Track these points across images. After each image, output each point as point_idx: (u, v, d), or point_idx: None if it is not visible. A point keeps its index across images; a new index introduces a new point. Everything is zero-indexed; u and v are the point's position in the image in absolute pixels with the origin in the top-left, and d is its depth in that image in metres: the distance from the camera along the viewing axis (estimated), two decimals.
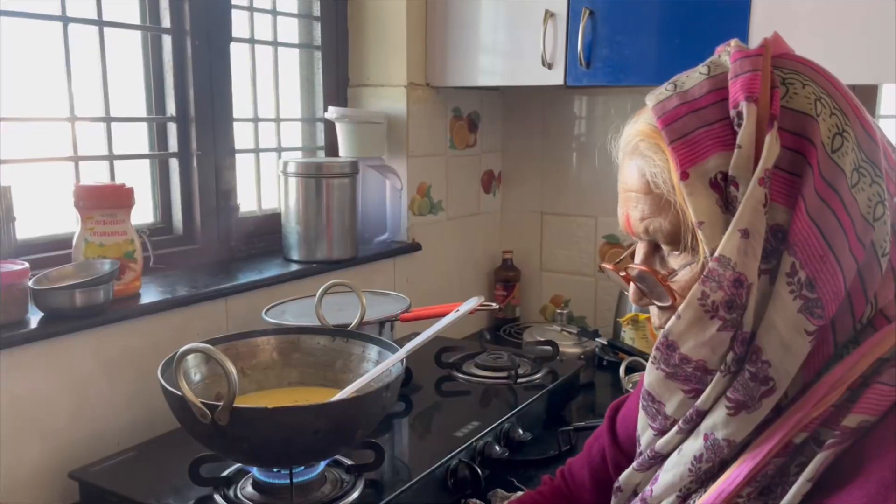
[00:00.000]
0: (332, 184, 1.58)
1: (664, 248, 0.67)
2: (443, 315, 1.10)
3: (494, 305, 1.28)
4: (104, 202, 1.23)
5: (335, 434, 0.90)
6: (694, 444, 0.65)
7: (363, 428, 0.93)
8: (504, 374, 1.44)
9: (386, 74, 1.79)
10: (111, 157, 1.42)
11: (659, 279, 0.67)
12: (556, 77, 1.64)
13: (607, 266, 0.74)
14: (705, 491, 0.64)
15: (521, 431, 1.26)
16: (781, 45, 0.64)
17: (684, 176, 0.61)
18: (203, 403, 0.85)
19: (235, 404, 0.84)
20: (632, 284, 0.70)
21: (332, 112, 1.71)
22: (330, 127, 1.79)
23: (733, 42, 0.65)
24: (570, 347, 1.65)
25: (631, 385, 1.49)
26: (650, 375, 0.69)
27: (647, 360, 1.63)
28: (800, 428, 0.59)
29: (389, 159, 1.80)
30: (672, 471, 0.67)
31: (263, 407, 0.85)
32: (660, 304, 0.68)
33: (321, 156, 1.84)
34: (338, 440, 0.92)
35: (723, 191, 0.60)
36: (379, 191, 1.77)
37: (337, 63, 1.83)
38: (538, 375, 1.45)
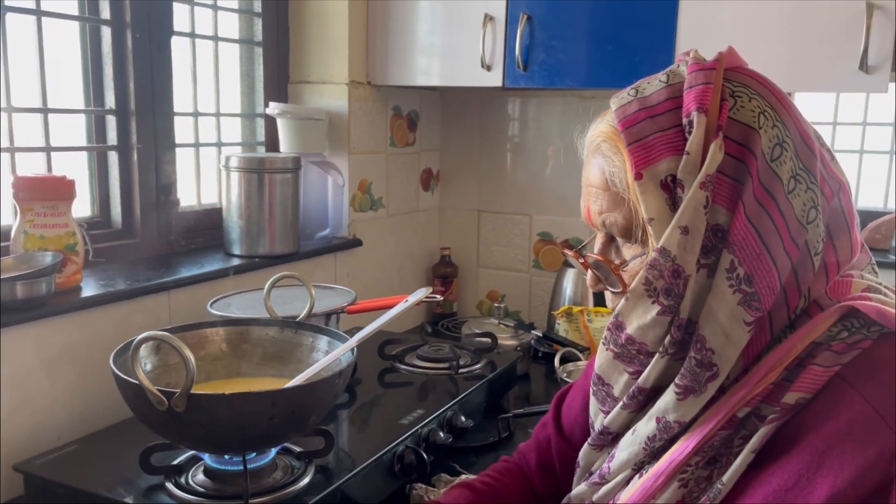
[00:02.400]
0: (274, 179, 1.59)
1: (618, 239, 0.74)
2: (389, 307, 1.13)
3: (438, 298, 1.33)
4: (45, 194, 1.22)
5: (290, 420, 0.93)
6: (647, 427, 0.71)
7: (316, 414, 0.96)
8: (445, 365, 1.48)
9: (327, 72, 1.81)
10: (49, 149, 1.40)
11: (612, 268, 0.74)
12: (494, 79, 1.70)
13: (569, 253, 0.80)
14: (657, 461, 0.71)
15: (463, 418, 1.31)
16: (735, 58, 0.71)
17: (638, 176, 0.67)
18: (160, 390, 0.86)
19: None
20: (589, 271, 0.77)
21: (273, 108, 1.72)
22: (270, 123, 1.80)
23: (692, 53, 0.71)
24: (507, 340, 1.71)
25: (565, 374, 1.57)
26: (601, 357, 0.76)
27: (580, 350, 1.71)
28: (743, 404, 0.66)
29: (331, 156, 1.82)
30: (627, 449, 0.74)
31: (220, 393, 0.87)
32: (612, 289, 0.75)
33: (261, 151, 1.84)
34: (292, 426, 0.95)
35: (672, 191, 0.67)
36: (320, 187, 1.79)
37: (277, 59, 1.84)
38: (478, 366, 1.50)
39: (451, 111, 2.16)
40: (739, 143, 0.66)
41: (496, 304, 1.83)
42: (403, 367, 1.50)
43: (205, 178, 1.73)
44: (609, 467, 0.76)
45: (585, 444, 0.82)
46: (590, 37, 1.61)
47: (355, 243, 1.85)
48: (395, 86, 1.87)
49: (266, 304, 1.18)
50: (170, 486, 0.99)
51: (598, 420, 0.80)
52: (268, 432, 0.92)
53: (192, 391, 0.86)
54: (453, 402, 1.33)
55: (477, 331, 1.72)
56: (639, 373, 0.72)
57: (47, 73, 1.38)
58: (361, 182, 1.87)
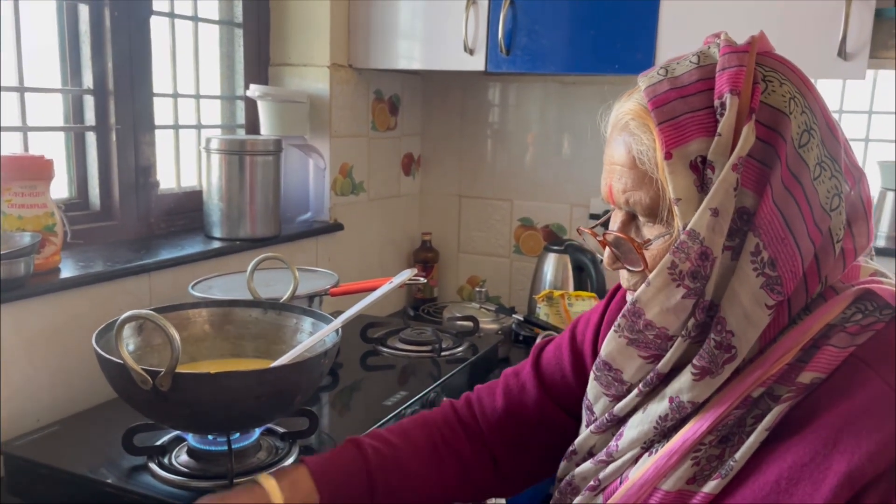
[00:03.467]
0: (255, 161, 1.58)
1: (641, 218, 0.74)
2: (371, 289, 1.13)
3: (422, 280, 1.33)
4: (23, 173, 1.20)
5: (276, 400, 0.93)
6: (659, 406, 0.72)
7: (302, 394, 0.96)
8: (428, 348, 1.49)
9: (308, 54, 1.80)
10: (25, 129, 1.37)
11: (635, 246, 0.73)
12: (477, 63, 1.70)
13: (585, 230, 0.81)
14: (668, 441, 0.72)
15: (445, 400, 1.31)
16: (766, 43, 0.72)
17: (668, 156, 0.67)
18: (144, 370, 0.86)
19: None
20: (607, 248, 0.77)
21: (253, 90, 1.71)
22: (250, 105, 1.79)
23: (723, 35, 0.71)
24: (488, 324, 1.72)
25: None
26: (610, 344, 0.76)
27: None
28: (758, 384, 0.67)
29: (312, 139, 1.81)
30: (637, 428, 0.74)
31: (206, 372, 0.86)
32: (632, 268, 0.75)
33: (242, 134, 1.83)
34: (278, 406, 0.95)
35: (700, 172, 0.67)
36: (301, 170, 1.79)
37: (258, 41, 1.83)
38: (460, 349, 1.51)
39: (433, 95, 2.16)
40: (769, 128, 0.66)
41: (477, 289, 1.84)
42: (386, 349, 1.50)
43: (185, 161, 1.71)
44: (617, 445, 0.77)
45: (586, 432, 0.83)
46: (572, 22, 1.62)
47: (336, 227, 1.85)
48: (376, 69, 1.86)
49: (249, 285, 1.18)
50: (153, 466, 0.99)
51: (600, 403, 0.81)
52: (253, 412, 0.92)
53: (177, 370, 0.86)
54: (435, 384, 1.33)
55: (458, 315, 1.73)
56: (653, 357, 0.73)
57: (24, 52, 1.35)
58: (343, 166, 1.87)
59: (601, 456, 0.79)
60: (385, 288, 1.07)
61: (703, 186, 0.67)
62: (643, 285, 0.71)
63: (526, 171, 2.08)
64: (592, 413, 0.82)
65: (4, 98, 1.34)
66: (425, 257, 2.13)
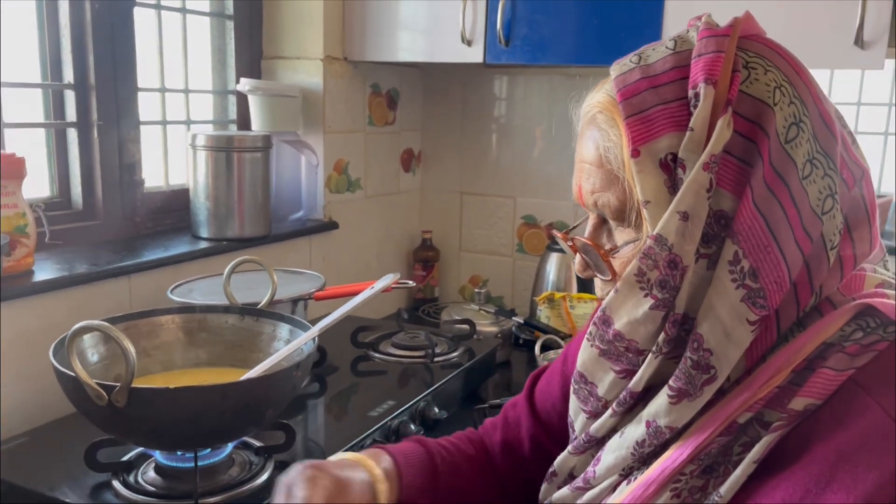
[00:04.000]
0: (243, 158, 1.52)
1: (611, 222, 0.67)
2: (357, 293, 1.07)
3: (411, 283, 1.27)
4: None
5: (243, 415, 0.87)
6: (636, 430, 0.65)
7: (273, 408, 0.90)
8: (421, 353, 1.42)
9: (301, 47, 1.74)
10: (1, 126, 1.32)
11: (601, 254, 0.67)
12: (475, 54, 1.62)
13: (557, 234, 0.74)
14: (647, 468, 0.65)
15: (436, 410, 1.25)
16: (752, 25, 0.64)
17: (635, 153, 0.60)
18: (98, 384, 0.80)
19: (135, 385, 0.80)
20: (578, 255, 0.71)
21: (244, 84, 1.65)
22: (242, 100, 1.73)
23: (704, 17, 0.64)
24: (487, 326, 1.65)
25: (546, 362, 1.50)
26: (584, 353, 0.70)
27: (561, 337, 1.65)
28: (745, 408, 0.59)
29: (305, 135, 1.75)
30: (615, 453, 0.67)
31: (164, 387, 0.80)
32: (602, 277, 0.69)
33: (234, 130, 1.77)
34: (246, 421, 0.89)
35: (672, 172, 0.60)
36: (294, 167, 1.72)
37: (250, 34, 1.76)
38: (455, 354, 1.45)
39: (434, 89, 2.09)
40: (750, 121, 0.59)
41: (477, 290, 1.77)
42: (377, 355, 1.44)
43: (174, 158, 1.66)
44: (594, 471, 0.70)
45: (564, 453, 0.76)
46: (574, 10, 1.54)
47: (331, 226, 1.78)
48: (373, 62, 1.79)
49: (226, 290, 1.12)
50: (116, 484, 0.93)
51: (579, 420, 0.74)
52: (219, 428, 0.87)
53: (138, 384, 0.80)
54: (427, 392, 1.27)
55: (456, 317, 1.66)
56: (626, 371, 0.66)
57: (2, 46, 1.30)
58: (338, 162, 1.80)
59: (578, 482, 0.72)
60: (366, 294, 1.01)
61: (674, 187, 0.60)
62: (612, 292, 0.64)
63: (529, 168, 2.00)
64: (573, 430, 0.75)
65: None
66: (426, 256, 2.06)
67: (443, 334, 1.53)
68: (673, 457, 0.62)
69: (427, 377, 1.35)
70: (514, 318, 1.69)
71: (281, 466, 1.00)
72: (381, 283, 1.01)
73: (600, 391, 0.69)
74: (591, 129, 0.65)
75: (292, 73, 1.75)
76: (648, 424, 0.64)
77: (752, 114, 0.59)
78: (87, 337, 0.96)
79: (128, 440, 0.91)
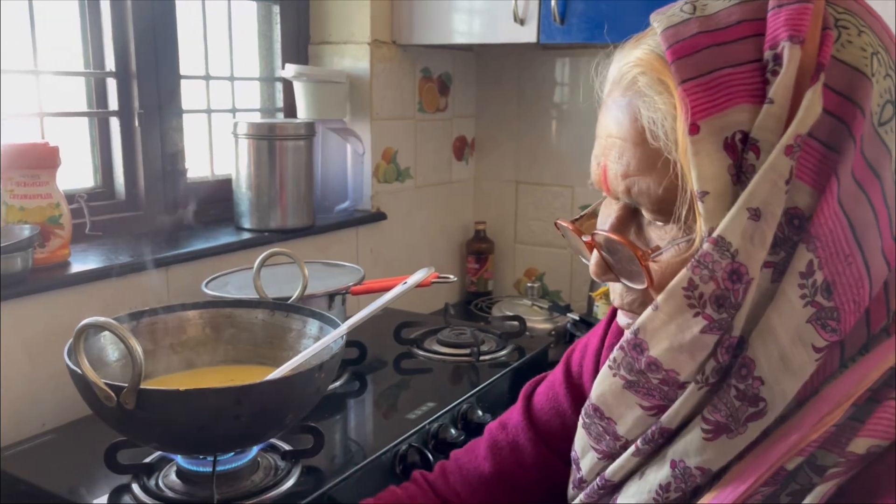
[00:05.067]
0: (286, 146, 1.47)
1: (646, 215, 0.53)
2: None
3: (452, 278, 1.19)
4: (24, 162, 1.12)
5: (261, 419, 0.80)
6: (660, 472, 0.53)
7: (293, 412, 0.84)
8: (467, 351, 1.35)
9: (348, 31, 1.67)
10: (41, 115, 1.30)
11: (638, 255, 0.52)
12: (528, 34, 1.53)
13: (564, 224, 0.60)
14: None
15: (480, 413, 1.17)
16: None
17: (694, 129, 0.47)
18: (108, 384, 0.75)
19: (150, 386, 0.75)
20: (595, 253, 0.56)
21: (289, 70, 1.60)
22: (289, 87, 1.68)
23: None
24: (540, 323, 1.56)
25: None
26: (604, 383, 0.56)
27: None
28: (795, 453, 0.48)
29: (352, 122, 1.69)
30: (634, 499, 0.55)
31: (174, 389, 0.75)
32: (629, 283, 0.55)
33: (280, 118, 1.72)
34: (265, 426, 0.83)
35: (739, 155, 0.47)
36: (340, 156, 1.67)
37: (297, 18, 1.71)
38: (503, 352, 1.36)
39: (488, 73, 2.00)
40: (842, 95, 0.46)
41: (530, 284, 1.68)
42: (421, 352, 1.37)
43: (219, 148, 1.62)
44: None
45: (576, 499, 0.62)
46: None
47: (379, 217, 1.72)
48: (423, 45, 1.72)
49: (255, 283, 1.06)
50: (136, 487, 0.89)
51: (587, 459, 0.61)
52: (235, 432, 0.81)
53: (156, 384, 0.76)
54: (471, 393, 1.19)
55: (507, 312, 1.58)
56: (658, 408, 0.53)
57: (44, 35, 1.28)
58: (386, 151, 1.74)
59: None
60: (397, 290, 0.93)
61: (739, 175, 0.47)
62: (649, 309, 0.51)
63: (589, 155, 1.89)
64: (579, 470, 0.63)
65: (20, 84, 1.27)
66: (479, 248, 1.98)
67: (491, 331, 1.45)
68: None
69: (472, 377, 1.27)
70: (569, 314, 1.60)
71: (308, 472, 0.94)
72: (414, 279, 0.94)
73: (620, 430, 0.56)
74: (629, 94, 0.52)
75: (339, 58, 1.69)
76: (674, 465, 0.52)
77: (844, 85, 0.46)
78: (106, 333, 0.91)
79: (142, 442, 0.86)
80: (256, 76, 1.71)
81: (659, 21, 0.51)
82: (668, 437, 0.53)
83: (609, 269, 0.56)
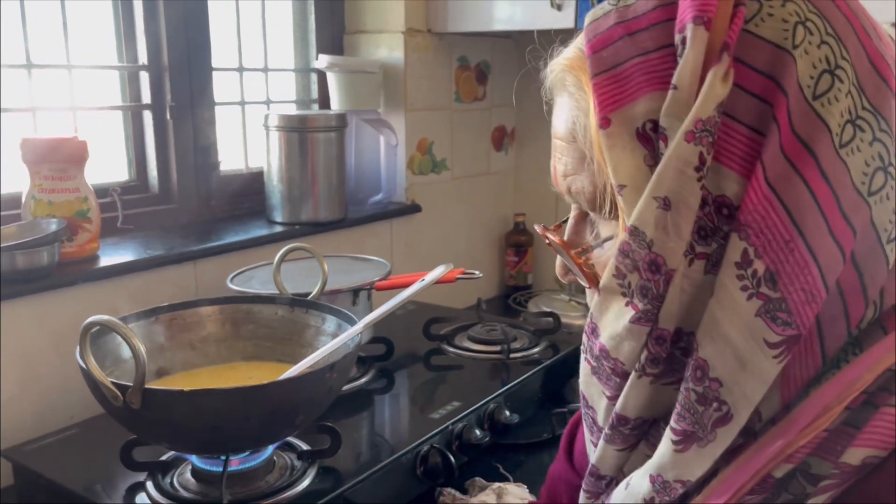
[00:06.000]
0: (317, 138, 1.45)
1: (591, 214, 0.54)
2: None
3: (477, 274, 1.15)
4: (52, 156, 1.13)
5: (270, 420, 0.79)
6: (642, 484, 0.50)
7: (304, 413, 0.81)
8: (497, 348, 1.31)
9: (383, 19, 1.64)
10: (74, 109, 1.31)
11: (570, 255, 0.54)
12: (566, 19, 1.47)
13: (538, 228, 0.60)
14: None
15: (507, 413, 1.13)
16: None
17: (605, 123, 0.47)
18: (114, 384, 0.74)
19: (165, 384, 0.74)
20: (558, 257, 0.58)
21: (322, 60, 1.58)
22: (324, 79, 1.66)
23: None
24: (577, 319, 1.51)
25: None
26: (581, 370, 0.56)
27: None
28: (781, 459, 0.44)
29: (386, 113, 1.66)
30: None
31: (179, 389, 0.73)
32: (581, 282, 0.56)
33: (315, 109, 1.71)
34: (275, 427, 0.81)
35: (654, 145, 0.46)
36: (374, 148, 1.64)
37: (332, 7, 1.69)
38: (536, 350, 1.32)
39: (529, 61, 1.94)
40: (763, 73, 0.43)
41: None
42: (451, 349, 1.33)
43: (254, 141, 1.61)
44: None
45: (581, 491, 0.60)
46: None
47: (413, 209, 1.69)
48: (459, 33, 1.67)
49: (275, 279, 1.05)
50: (149, 485, 0.88)
51: (590, 453, 0.59)
52: (245, 433, 0.79)
53: (181, 383, 0.75)
54: (499, 392, 1.15)
55: (544, 308, 1.53)
56: (616, 398, 0.52)
57: (78, 28, 1.29)
58: (421, 142, 1.70)
59: None
60: (415, 287, 0.90)
61: (657, 165, 0.45)
62: (595, 296, 0.51)
63: None
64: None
65: (53, 77, 1.28)
66: (518, 241, 1.93)
67: (525, 327, 1.40)
68: None
69: (502, 375, 1.23)
70: None
71: (325, 472, 0.92)
72: (432, 275, 0.91)
73: (599, 419, 0.54)
74: (562, 94, 0.52)
75: (374, 48, 1.67)
76: (653, 479, 0.49)
77: (765, 63, 0.43)
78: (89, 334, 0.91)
79: (150, 441, 0.86)
80: (291, 67, 1.70)
81: (588, 16, 0.50)
82: (633, 427, 0.51)
83: (569, 271, 0.57)
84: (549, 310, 1.47)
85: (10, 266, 1.04)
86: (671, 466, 0.47)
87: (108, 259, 1.20)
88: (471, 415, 1.09)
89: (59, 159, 1.13)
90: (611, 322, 0.49)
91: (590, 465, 0.56)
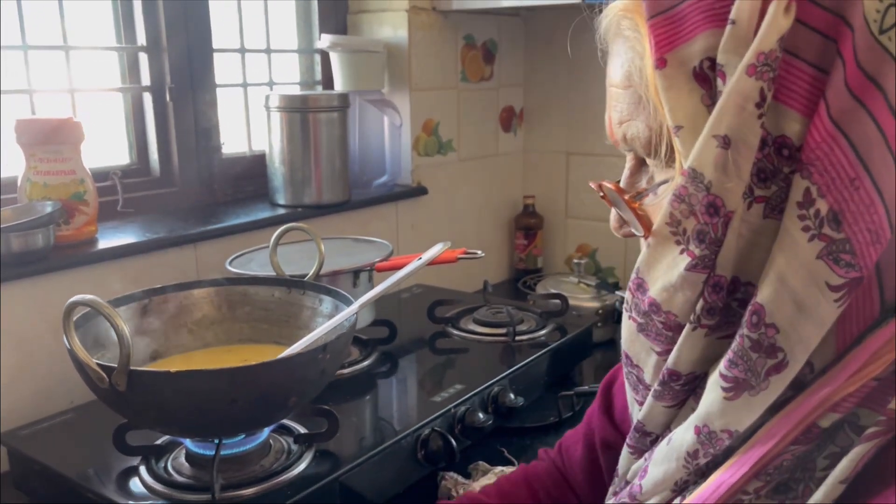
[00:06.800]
0: (318, 119, 1.42)
1: (648, 161, 0.53)
2: (424, 264, 0.94)
3: (479, 254, 1.12)
4: (47, 137, 1.11)
5: (260, 403, 0.77)
6: (685, 437, 0.49)
7: (296, 396, 0.79)
8: (503, 330, 1.28)
9: None
10: (72, 91, 1.29)
11: (626, 200, 0.52)
12: None
13: (592, 184, 0.59)
14: (705, 481, 0.49)
15: (512, 396, 1.10)
16: None
17: (661, 63, 0.45)
18: (100, 365, 0.72)
19: (160, 366, 0.72)
20: (612, 209, 0.57)
21: (324, 40, 1.55)
22: (328, 59, 1.63)
23: None
24: (586, 301, 1.48)
25: None
26: (623, 328, 0.55)
27: None
28: (827, 408, 0.43)
29: (390, 93, 1.63)
30: (662, 466, 0.52)
31: (165, 371, 0.71)
32: (635, 232, 0.54)
33: (319, 90, 1.68)
34: (267, 410, 0.79)
35: (711, 85, 0.44)
36: (378, 129, 1.61)
37: None
38: (542, 332, 1.29)
39: (537, 39, 1.90)
40: (828, 9, 0.41)
41: (576, 261, 1.59)
42: (456, 332, 1.31)
43: (256, 123, 1.59)
44: (641, 486, 0.54)
45: (624, 446, 0.60)
46: None
47: (419, 192, 1.66)
48: (464, 11, 1.64)
49: (272, 260, 1.02)
50: (143, 470, 0.86)
51: (634, 412, 0.59)
52: (233, 416, 0.77)
53: (176, 365, 0.73)
54: (503, 375, 1.13)
55: (552, 290, 1.50)
56: (668, 353, 0.50)
57: (75, 9, 1.27)
58: (426, 123, 1.67)
59: (624, 497, 0.56)
60: (411, 266, 0.88)
61: (714, 105, 0.43)
62: (644, 248, 0.50)
63: None
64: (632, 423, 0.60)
65: (50, 59, 1.26)
66: (528, 223, 1.90)
67: (532, 310, 1.37)
68: (731, 470, 0.46)
69: (507, 358, 1.20)
70: (617, 292, 1.51)
71: (322, 456, 0.90)
72: (428, 254, 0.88)
73: (646, 376, 0.53)
74: (617, 41, 0.51)
75: (378, 27, 1.63)
76: (698, 431, 0.47)
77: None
78: (122, 309, 0.89)
79: (140, 425, 0.84)
80: (294, 48, 1.67)
81: None
82: (684, 383, 0.50)
83: (624, 222, 0.56)
84: (556, 292, 1.43)
85: (6, 249, 1.03)
86: (719, 415, 0.46)
87: (106, 242, 1.19)
88: (474, 398, 1.06)
89: (54, 141, 1.11)
90: (663, 273, 0.48)
91: (636, 422, 0.56)
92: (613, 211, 0.57)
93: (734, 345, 0.45)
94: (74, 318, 0.74)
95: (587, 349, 1.35)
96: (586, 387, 1.18)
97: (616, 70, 0.52)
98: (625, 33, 0.50)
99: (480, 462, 1.01)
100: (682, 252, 0.47)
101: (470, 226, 1.83)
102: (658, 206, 0.51)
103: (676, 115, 0.45)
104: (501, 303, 1.40)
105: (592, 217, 1.90)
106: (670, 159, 0.49)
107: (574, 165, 1.91)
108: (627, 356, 0.55)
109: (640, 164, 0.55)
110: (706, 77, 0.44)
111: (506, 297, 1.58)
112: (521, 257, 1.91)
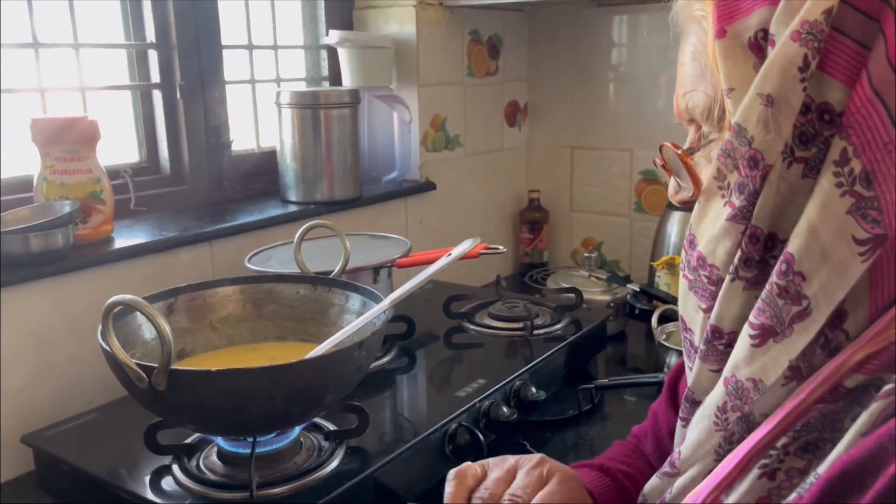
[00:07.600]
0: (330, 115, 1.42)
1: (703, 128, 0.56)
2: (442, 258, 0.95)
3: (501, 249, 1.13)
4: (63, 136, 1.10)
5: (298, 400, 0.77)
6: (716, 392, 0.52)
7: (333, 392, 0.79)
8: (520, 325, 1.28)
9: None
10: (82, 89, 1.28)
11: (679, 154, 0.56)
12: None
13: (657, 160, 0.62)
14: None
15: (534, 390, 1.11)
16: None
17: (720, 34, 0.50)
18: (139, 365, 0.72)
19: (188, 364, 0.72)
20: (671, 176, 0.60)
21: (332, 36, 1.54)
22: (335, 55, 1.62)
23: None
24: (598, 295, 1.49)
25: (664, 336, 1.33)
26: (679, 290, 0.58)
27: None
28: (851, 367, 0.45)
29: (398, 89, 1.63)
30: (698, 427, 0.53)
31: (206, 370, 0.71)
32: (685, 190, 0.58)
33: (326, 87, 1.68)
34: (303, 406, 0.79)
35: (764, 53, 0.48)
36: (387, 124, 1.61)
37: None
38: (558, 326, 1.30)
39: (541, 34, 1.90)
40: None
41: (587, 254, 1.60)
42: (472, 327, 1.31)
43: (264, 119, 1.59)
44: (680, 452, 0.56)
45: (678, 420, 0.61)
46: None
47: (428, 187, 1.66)
48: (471, 6, 1.64)
49: (296, 257, 1.02)
50: (175, 469, 0.86)
51: (688, 380, 0.59)
52: (271, 413, 0.77)
53: (191, 364, 0.73)
54: (524, 369, 1.13)
55: (563, 284, 1.51)
56: (711, 309, 0.53)
57: (84, 6, 1.26)
58: (434, 118, 1.67)
59: (666, 467, 0.58)
60: (441, 262, 0.88)
61: None
62: (696, 204, 0.54)
63: (649, 116, 1.79)
64: None
65: (60, 57, 1.25)
66: (533, 218, 1.91)
67: (545, 304, 1.38)
68: (761, 429, 0.48)
69: (525, 352, 1.21)
70: (628, 285, 1.52)
71: (353, 453, 0.90)
72: (458, 250, 0.88)
73: (696, 339, 0.55)
74: (688, 22, 0.55)
75: (384, 22, 1.63)
76: (727, 382, 0.50)
77: None
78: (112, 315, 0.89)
79: (176, 424, 0.84)
80: (301, 44, 1.66)
81: None
82: (727, 343, 0.52)
83: (681, 188, 0.58)
84: (569, 285, 1.44)
85: (25, 249, 1.02)
86: (746, 363, 0.48)
87: (122, 241, 1.18)
88: (497, 392, 1.07)
89: (70, 140, 1.11)
90: (709, 226, 0.52)
91: (686, 391, 0.57)
92: (672, 179, 0.59)
93: (763, 293, 0.48)
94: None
95: (602, 342, 1.36)
96: (606, 380, 1.19)
97: (686, 49, 0.55)
98: (695, 14, 0.54)
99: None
100: (725, 204, 0.50)
101: (476, 220, 1.84)
102: (709, 168, 0.53)
103: (731, 79, 0.49)
104: (515, 297, 1.40)
105: (597, 211, 1.91)
106: (722, 120, 0.52)
107: (578, 159, 1.91)
108: (683, 320, 0.58)
109: (700, 139, 0.57)
110: (760, 46, 0.48)
111: (515, 292, 1.59)
112: (527, 251, 1.91)
